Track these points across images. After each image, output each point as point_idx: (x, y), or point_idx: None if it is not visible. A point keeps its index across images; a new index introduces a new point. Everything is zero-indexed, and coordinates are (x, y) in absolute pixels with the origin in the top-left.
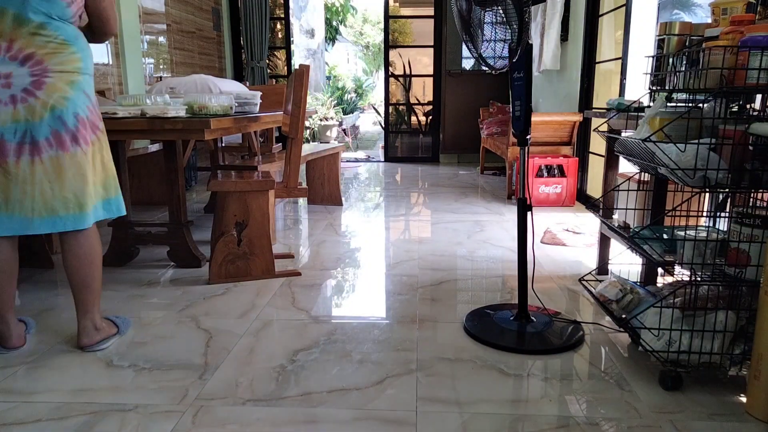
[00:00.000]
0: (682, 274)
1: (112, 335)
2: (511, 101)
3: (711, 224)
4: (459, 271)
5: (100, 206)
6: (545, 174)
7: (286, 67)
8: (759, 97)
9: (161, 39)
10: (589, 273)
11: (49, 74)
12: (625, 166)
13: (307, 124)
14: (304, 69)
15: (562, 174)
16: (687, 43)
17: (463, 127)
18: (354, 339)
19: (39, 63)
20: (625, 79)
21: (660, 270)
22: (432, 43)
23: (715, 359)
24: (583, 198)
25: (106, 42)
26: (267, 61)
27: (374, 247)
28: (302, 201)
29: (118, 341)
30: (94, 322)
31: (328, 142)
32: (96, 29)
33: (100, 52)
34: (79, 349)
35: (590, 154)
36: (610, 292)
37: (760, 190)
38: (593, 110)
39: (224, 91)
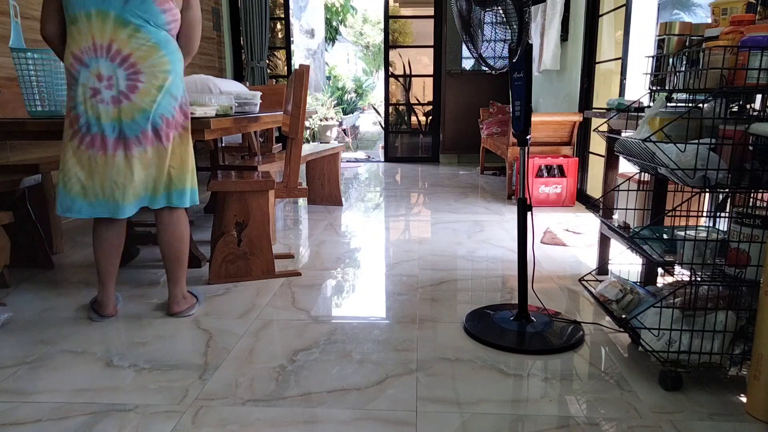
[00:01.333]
0: (682, 274)
1: (195, 304)
2: (511, 101)
3: (711, 224)
4: (459, 271)
5: (175, 194)
6: (545, 174)
7: (286, 67)
8: (759, 97)
9: None
10: (589, 273)
11: (141, 78)
12: (625, 166)
13: (307, 124)
14: (304, 69)
15: (562, 174)
16: (687, 43)
17: (463, 127)
18: (354, 339)
19: (133, 65)
20: (625, 79)
21: (660, 270)
22: (432, 43)
23: (715, 359)
24: (583, 198)
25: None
26: (267, 61)
27: (374, 247)
28: (302, 201)
29: (197, 312)
30: (183, 291)
31: (328, 143)
32: (181, 46)
33: None
34: (171, 316)
35: (590, 154)
36: (610, 292)
37: (760, 190)
38: (593, 110)
39: (224, 91)
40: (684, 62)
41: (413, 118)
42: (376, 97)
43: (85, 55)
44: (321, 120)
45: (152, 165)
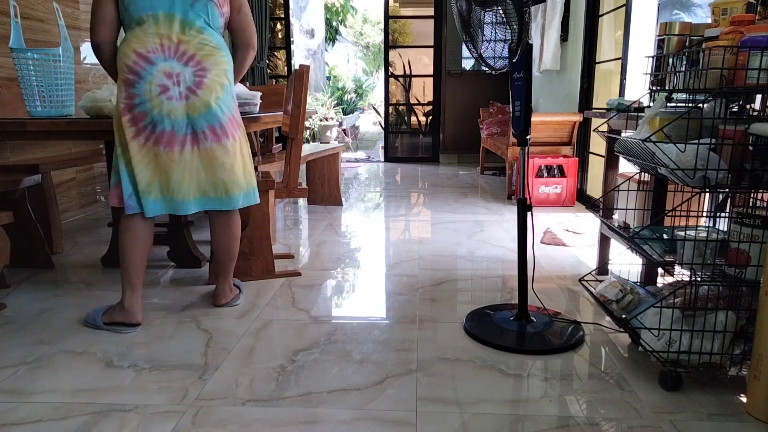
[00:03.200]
0: (682, 274)
1: (240, 294)
2: (511, 101)
3: (711, 224)
4: (459, 271)
5: (243, 195)
6: (545, 174)
7: (286, 68)
8: (759, 97)
9: None
10: (589, 273)
11: (207, 75)
12: (625, 166)
13: (307, 124)
14: (304, 69)
15: (562, 174)
16: (687, 44)
17: (463, 127)
18: (354, 339)
19: (199, 63)
20: (625, 79)
21: (660, 270)
22: (432, 43)
23: (715, 359)
24: (583, 198)
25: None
26: (267, 61)
27: (374, 247)
28: (302, 201)
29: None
30: (230, 285)
31: (328, 143)
32: (238, 44)
33: None
34: (218, 307)
35: (590, 154)
36: (610, 292)
37: (760, 190)
38: (593, 110)
39: None
40: (684, 62)
41: (413, 118)
42: (376, 97)
43: (153, 54)
44: (321, 120)
45: (220, 165)
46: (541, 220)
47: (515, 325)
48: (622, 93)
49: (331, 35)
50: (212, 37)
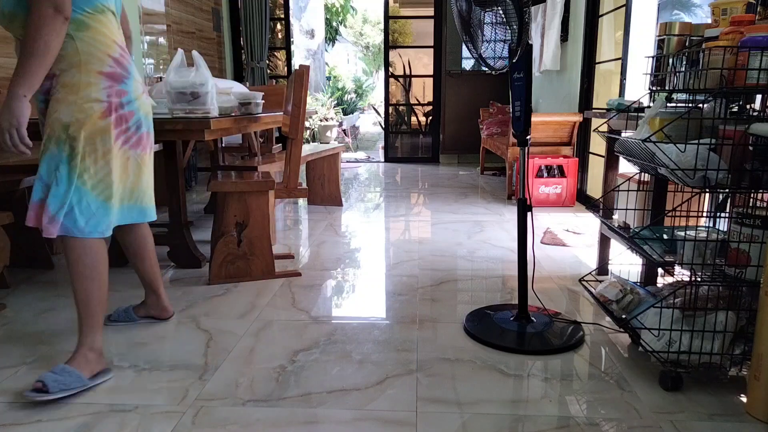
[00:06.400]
0: (682, 274)
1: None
2: (511, 102)
3: (711, 224)
4: (459, 272)
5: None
6: (545, 174)
7: (286, 68)
8: (759, 97)
9: (161, 39)
10: (589, 273)
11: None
12: (625, 166)
13: (307, 124)
14: (304, 69)
15: (562, 174)
16: (687, 44)
17: (463, 127)
18: (354, 339)
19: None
20: (625, 79)
21: (660, 270)
22: (432, 44)
23: (715, 359)
24: (583, 198)
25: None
26: (267, 61)
27: (374, 247)
28: (302, 201)
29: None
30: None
31: (328, 143)
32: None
33: None
34: (167, 320)
35: (590, 155)
36: (610, 292)
37: (760, 190)
38: (593, 110)
39: (224, 91)
40: (684, 62)
41: (413, 119)
42: (376, 97)
43: (125, 51)
44: (321, 120)
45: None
46: (541, 221)
47: (515, 326)
48: (622, 93)
49: (331, 35)
50: None
